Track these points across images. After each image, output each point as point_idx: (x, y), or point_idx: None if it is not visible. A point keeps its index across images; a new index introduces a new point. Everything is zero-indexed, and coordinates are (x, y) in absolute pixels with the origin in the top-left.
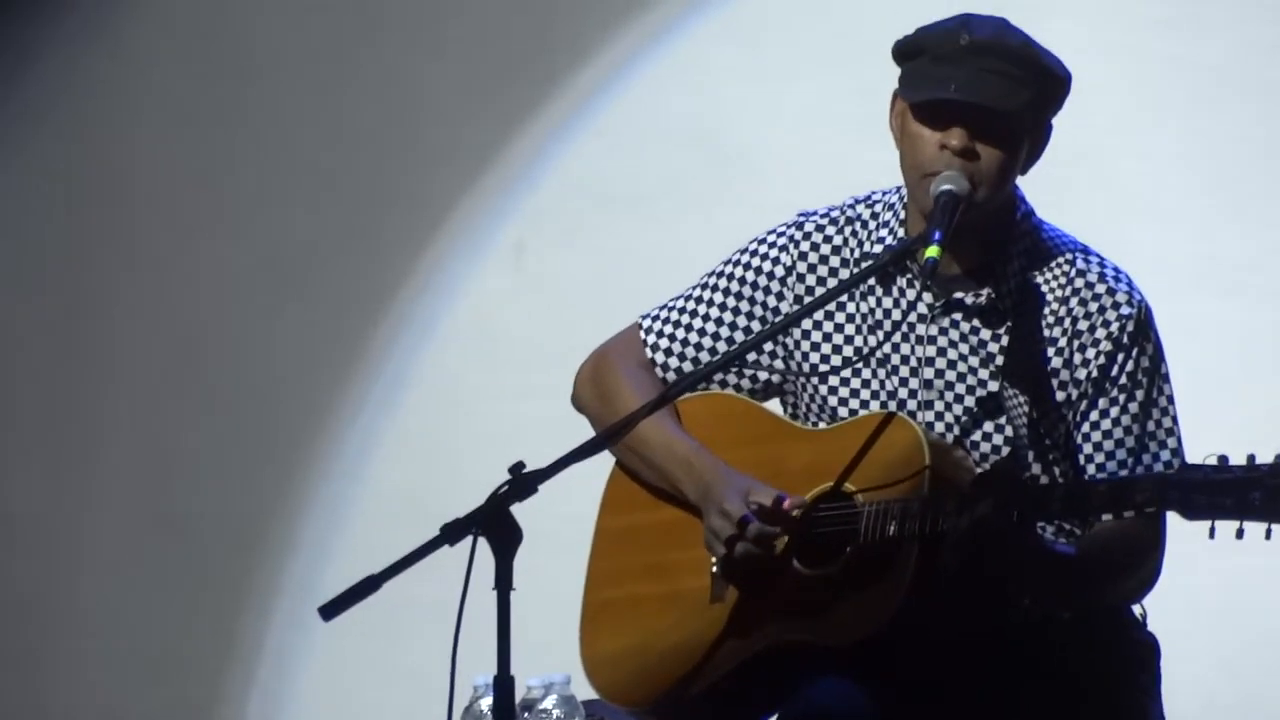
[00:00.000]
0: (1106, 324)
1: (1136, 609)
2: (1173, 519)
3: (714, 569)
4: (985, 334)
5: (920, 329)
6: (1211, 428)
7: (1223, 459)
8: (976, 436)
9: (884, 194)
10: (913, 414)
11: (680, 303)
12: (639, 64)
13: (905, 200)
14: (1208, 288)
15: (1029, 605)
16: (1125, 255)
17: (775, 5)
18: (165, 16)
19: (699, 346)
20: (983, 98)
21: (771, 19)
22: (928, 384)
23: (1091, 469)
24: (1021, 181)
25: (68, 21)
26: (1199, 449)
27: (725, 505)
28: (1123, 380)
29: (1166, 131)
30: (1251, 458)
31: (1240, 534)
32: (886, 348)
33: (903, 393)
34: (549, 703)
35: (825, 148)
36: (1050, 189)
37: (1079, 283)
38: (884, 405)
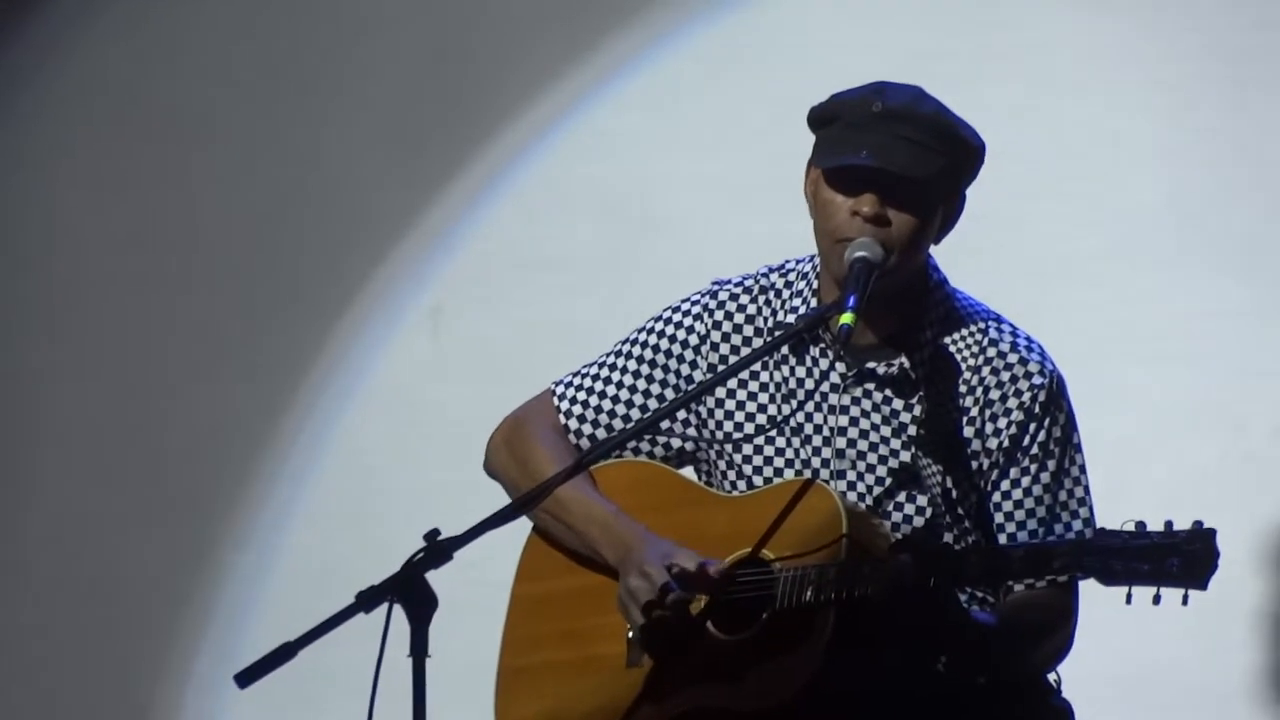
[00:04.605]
0: (1018, 394)
1: (1051, 676)
2: (1089, 584)
3: (630, 634)
4: (898, 404)
5: (833, 398)
6: (1129, 494)
7: (1140, 525)
8: (889, 506)
9: (798, 262)
10: (826, 483)
11: (594, 369)
12: (556, 130)
13: (818, 269)
14: (1125, 354)
15: (944, 671)
16: (1040, 322)
17: (689, 74)
18: (81, 82)
19: (612, 414)
20: (893, 164)
21: (686, 87)
22: (840, 453)
23: (1003, 538)
24: (938, 249)
25: None
26: (1116, 515)
27: (645, 567)
28: (1034, 450)
29: (1082, 198)
30: (1169, 524)
31: (1157, 600)
32: (799, 417)
33: (815, 462)
34: None
35: (740, 216)
36: (966, 255)
37: (991, 352)
38: (798, 474)
